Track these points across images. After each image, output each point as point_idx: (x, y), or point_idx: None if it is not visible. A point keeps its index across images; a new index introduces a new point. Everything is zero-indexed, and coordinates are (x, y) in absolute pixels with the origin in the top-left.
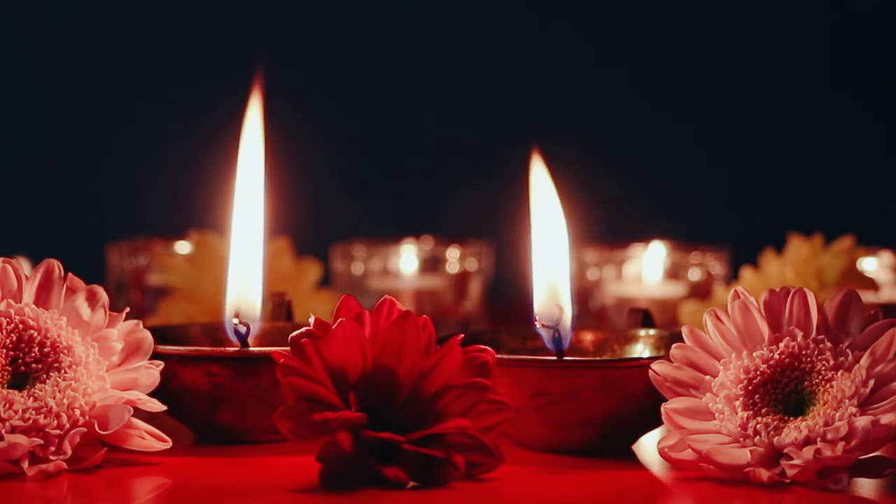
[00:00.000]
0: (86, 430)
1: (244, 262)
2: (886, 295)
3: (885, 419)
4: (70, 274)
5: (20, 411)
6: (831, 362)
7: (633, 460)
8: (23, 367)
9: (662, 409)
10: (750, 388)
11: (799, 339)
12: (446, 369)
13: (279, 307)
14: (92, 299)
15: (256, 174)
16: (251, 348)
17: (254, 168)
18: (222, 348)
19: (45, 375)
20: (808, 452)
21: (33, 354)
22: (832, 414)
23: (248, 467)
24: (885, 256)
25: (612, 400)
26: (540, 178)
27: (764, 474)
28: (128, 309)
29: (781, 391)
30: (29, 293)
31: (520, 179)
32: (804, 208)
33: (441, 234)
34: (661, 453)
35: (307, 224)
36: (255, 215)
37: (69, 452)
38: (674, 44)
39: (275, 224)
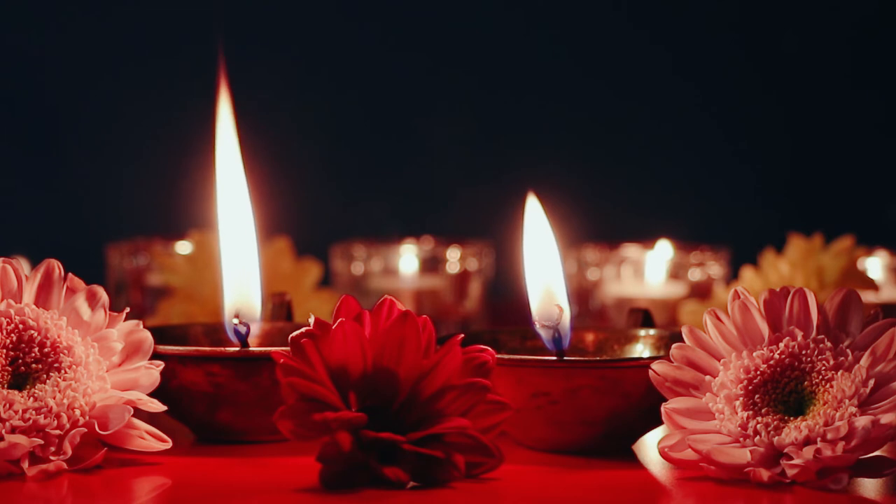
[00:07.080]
0: (86, 430)
1: (239, 261)
2: (886, 295)
3: (885, 419)
4: (70, 274)
5: (20, 411)
6: (831, 362)
7: (633, 460)
8: (23, 368)
9: (662, 409)
10: (750, 387)
11: (799, 338)
12: (446, 369)
13: (279, 307)
14: (92, 299)
15: (236, 172)
16: (251, 348)
17: (232, 166)
18: (222, 348)
19: (45, 375)
20: (808, 452)
21: (33, 354)
22: (832, 414)
23: (248, 467)
24: (885, 256)
25: (612, 400)
26: (532, 200)
27: (764, 474)
28: (128, 309)
29: (781, 391)
30: (29, 293)
31: (519, 179)
32: (804, 208)
33: (441, 234)
34: (662, 453)
35: (307, 224)
36: (243, 214)
37: (69, 452)
38: (674, 44)
39: (274, 224)
